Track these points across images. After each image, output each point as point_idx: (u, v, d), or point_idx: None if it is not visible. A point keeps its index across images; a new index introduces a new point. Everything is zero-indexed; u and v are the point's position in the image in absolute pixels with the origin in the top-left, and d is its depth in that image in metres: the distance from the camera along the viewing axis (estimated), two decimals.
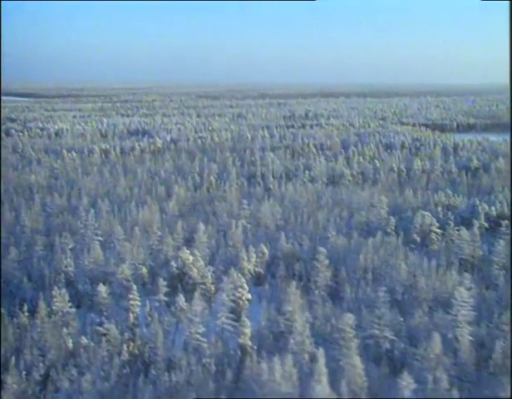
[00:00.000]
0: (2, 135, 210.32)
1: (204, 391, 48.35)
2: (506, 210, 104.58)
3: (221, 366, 52.91)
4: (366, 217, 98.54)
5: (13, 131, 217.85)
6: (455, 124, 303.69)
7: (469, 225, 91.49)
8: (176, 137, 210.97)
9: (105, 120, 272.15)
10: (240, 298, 65.71)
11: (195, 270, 71.63)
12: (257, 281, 78.09)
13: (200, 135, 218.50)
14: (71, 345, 55.30)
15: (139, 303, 65.01)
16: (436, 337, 50.21)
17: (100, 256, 77.38)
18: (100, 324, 62.54)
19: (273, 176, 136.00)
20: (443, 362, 49.77)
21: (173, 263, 72.81)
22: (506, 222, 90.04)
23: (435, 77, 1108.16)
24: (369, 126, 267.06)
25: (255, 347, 56.51)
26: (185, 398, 48.10)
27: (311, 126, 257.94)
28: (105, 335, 57.81)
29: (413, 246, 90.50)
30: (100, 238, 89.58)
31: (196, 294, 62.49)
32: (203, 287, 69.53)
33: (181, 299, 63.09)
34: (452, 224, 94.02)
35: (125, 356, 54.44)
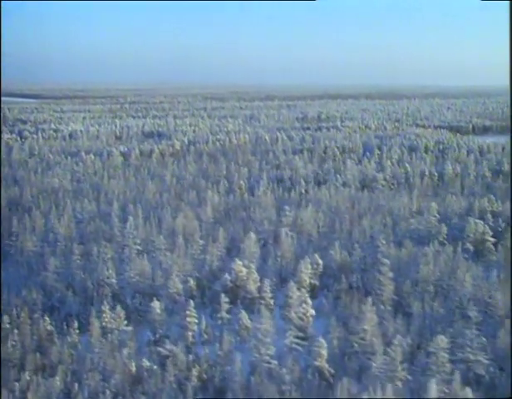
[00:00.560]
0: (16, 136, 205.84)
1: None
2: None
3: (302, 393, 48.33)
4: (415, 224, 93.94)
5: (27, 133, 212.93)
6: (470, 126, 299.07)
7: None
8: (193, 139, 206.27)
9: (117, 121, 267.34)
10: (304, 314, 61.13)
11: (252, 283, 67.06)
12: (311, 293, 73.50)
13: (217, 137, 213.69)
14: (134, 369, 50.66)
15: (196, 321, 60.52)
16: None
17: (147, 268, 72.73)
18: (157, 343, 58.27)
19: (304, 181, 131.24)
20: None
21: (227, 276, 68.10)
22: None
23: (435, 79, 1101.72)
24: (385, 129, 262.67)
25: (332, 371, 52.11)
26: None
27: (327, 128, 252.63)
28: (167, 357, 53.31)
29: (466, 256, 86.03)
30: (138, 247, 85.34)
31: (262, 310, 57.95)
32: (262, 302, 64.85)
33: (244, 316, 58.57)
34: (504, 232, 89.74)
35: (195, 381, 49.87)
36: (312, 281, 73.58)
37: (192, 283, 71.87)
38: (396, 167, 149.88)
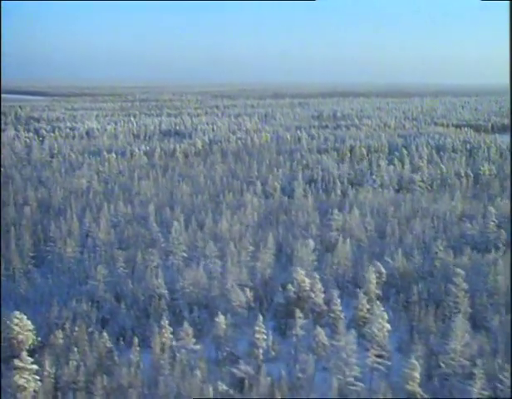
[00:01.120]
0: (33, 135, 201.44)
1: None
2: None
3: None
4: (469, 229, 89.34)
5: (44, 132, 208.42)
6: (489, 125, 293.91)
7: None
8: (214, 138, 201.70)
9: (132, 119, 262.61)
10: (380, 330, 56.54)
11: (319, 294, 62.57)
12: None
13: (238, 135, 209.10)
14: (211, 394, 46.15)
15: (265, 337, 56.03)
16: None
17: (201, 277, 68.21)
18: (225, 361, 53.82)
19: (340, 182, 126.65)
20: None
21: (290, 287, 63.52)
22: None
23: (436, 78, 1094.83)
24: (404, 127, 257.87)
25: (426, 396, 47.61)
26: None
27: (346, 127, 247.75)
28: (243, 380, 48.86)
29: None
30: (184, 253, 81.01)
31: (339, 326, 53.52)
32: (332, 315, 60.34)
33: (321, 333, 54.11)
34: None
35: None
36: (376, 291, 69.02)
37: (249, 293, 67.47)
38: (430, 168, 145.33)
